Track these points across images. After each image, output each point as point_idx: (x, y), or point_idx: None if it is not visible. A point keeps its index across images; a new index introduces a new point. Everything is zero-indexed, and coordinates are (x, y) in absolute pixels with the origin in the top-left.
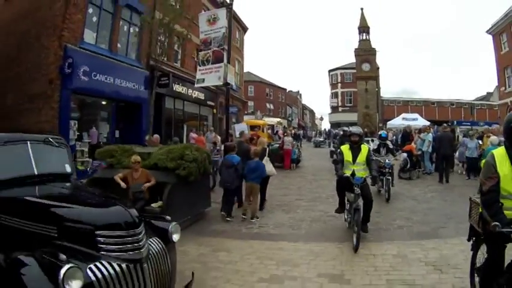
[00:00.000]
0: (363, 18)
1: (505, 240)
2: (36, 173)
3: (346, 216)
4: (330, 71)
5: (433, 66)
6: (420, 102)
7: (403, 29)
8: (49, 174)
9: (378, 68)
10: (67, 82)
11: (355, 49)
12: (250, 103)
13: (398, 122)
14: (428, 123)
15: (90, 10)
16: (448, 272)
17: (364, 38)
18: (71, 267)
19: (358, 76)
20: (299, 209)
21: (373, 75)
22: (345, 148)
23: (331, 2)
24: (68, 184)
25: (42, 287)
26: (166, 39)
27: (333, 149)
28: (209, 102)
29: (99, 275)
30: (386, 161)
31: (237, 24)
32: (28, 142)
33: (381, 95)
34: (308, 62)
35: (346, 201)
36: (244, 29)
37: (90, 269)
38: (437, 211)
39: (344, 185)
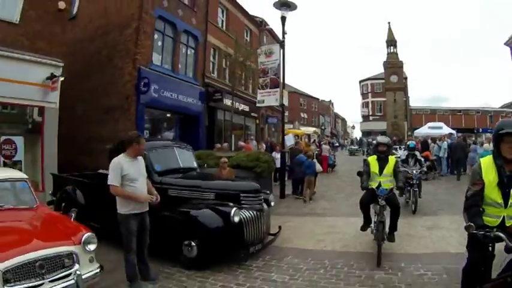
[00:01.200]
0: (390, 32)
1: (484, 246)
2: (182, 166)
3: (373, 228)
4: (360, 81)
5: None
6: (447, 111)
7: (432, 33)
8: (187, 167)
9: (406, 78)
10: (142, 98)
11: (384, 62)
12: (286, 113)
13: (424, 130)
14: (453, 131)
15: (156, 36)
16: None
17: (391, 51)
18: (236, 208)
19: (387, 87)
20: (338, 199)
21: (401, 87)
22: (372, 159)
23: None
24: (201, 172)
25: (219, 222)
26: (242, 72)
27: (366, 157)
28: (253, 114)
29: (245, 216)
30: (414, 172)
31: (274, 42)
32: (174, 147)
33: (410, 104)
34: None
35: (372, 216)
36: (281, 45)
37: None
38: (441, 201)
39: (369, 198)
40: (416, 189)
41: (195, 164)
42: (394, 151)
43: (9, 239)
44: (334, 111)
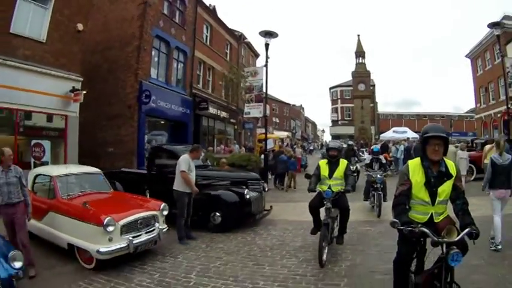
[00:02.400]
0: (359, 44)
1: (411, 240)
2: (201, 163)
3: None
4: (330, 88)
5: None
6: (413, 116)
7: (402, 38)
8: (203, 164)
9: (374, 86)
10: (143, 108)
11: (352, 72)
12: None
13: (390, 134)
14: (416, 135)
15: (153, 52)
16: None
17: (360, 61)
18: (247, 190)
19: (355, 95)
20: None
21: (368, 94)
22: (323, 163)
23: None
24: (214, 167)
25: (236, 198)
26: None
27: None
28: (232, 120)
29: (252, 195)
30: (378, 176)
31: (251, 53)
32: None
33: (379, 109)
34: (311, 76)
35: (322, 219)
36: (257, 55)
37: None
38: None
39: (317, 201)
40: (381, 192)
41: (208, 162)
42: (361, 154)
43: (118, 208)
44: (305, 116)
